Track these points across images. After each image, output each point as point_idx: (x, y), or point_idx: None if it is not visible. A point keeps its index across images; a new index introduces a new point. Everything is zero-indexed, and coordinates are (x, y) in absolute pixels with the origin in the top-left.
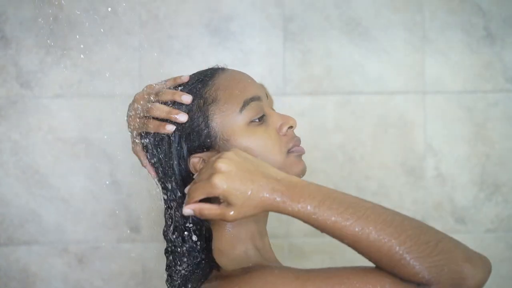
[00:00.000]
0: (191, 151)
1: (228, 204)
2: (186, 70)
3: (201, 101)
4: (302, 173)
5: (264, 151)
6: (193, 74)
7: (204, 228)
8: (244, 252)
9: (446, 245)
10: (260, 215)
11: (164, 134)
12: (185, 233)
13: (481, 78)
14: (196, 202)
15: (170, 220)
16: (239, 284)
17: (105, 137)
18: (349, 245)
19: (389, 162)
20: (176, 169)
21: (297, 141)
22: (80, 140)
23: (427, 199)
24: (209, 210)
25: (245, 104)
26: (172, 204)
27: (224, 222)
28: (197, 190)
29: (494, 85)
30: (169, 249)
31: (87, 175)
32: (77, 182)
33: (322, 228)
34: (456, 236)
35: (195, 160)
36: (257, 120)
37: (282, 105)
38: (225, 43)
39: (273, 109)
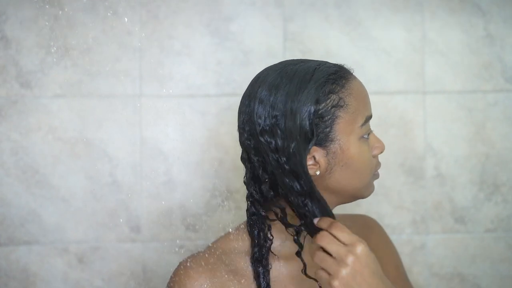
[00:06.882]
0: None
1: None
2: (186, 70)
3: (336, 99)
4: (370, 194)
5: (362, 168)
6: (322, 63)
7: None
8: (280, 245)
9: None
10: None
11: None
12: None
13: (481, 78)
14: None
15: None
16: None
17: (105, 137)
18: None
19: (388, 162)
20: (293, 144)
21: (379, 166)
22: (80, 140)
23: (427, 199)
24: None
25: (366, 120)
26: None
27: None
28: (322, 258)
29: (494, 85)
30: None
31: (87, 175)
32: (77, 182)
33: None
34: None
35: (309, 160)
36: (366, 137)
37: None
38: (225, 43)
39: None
